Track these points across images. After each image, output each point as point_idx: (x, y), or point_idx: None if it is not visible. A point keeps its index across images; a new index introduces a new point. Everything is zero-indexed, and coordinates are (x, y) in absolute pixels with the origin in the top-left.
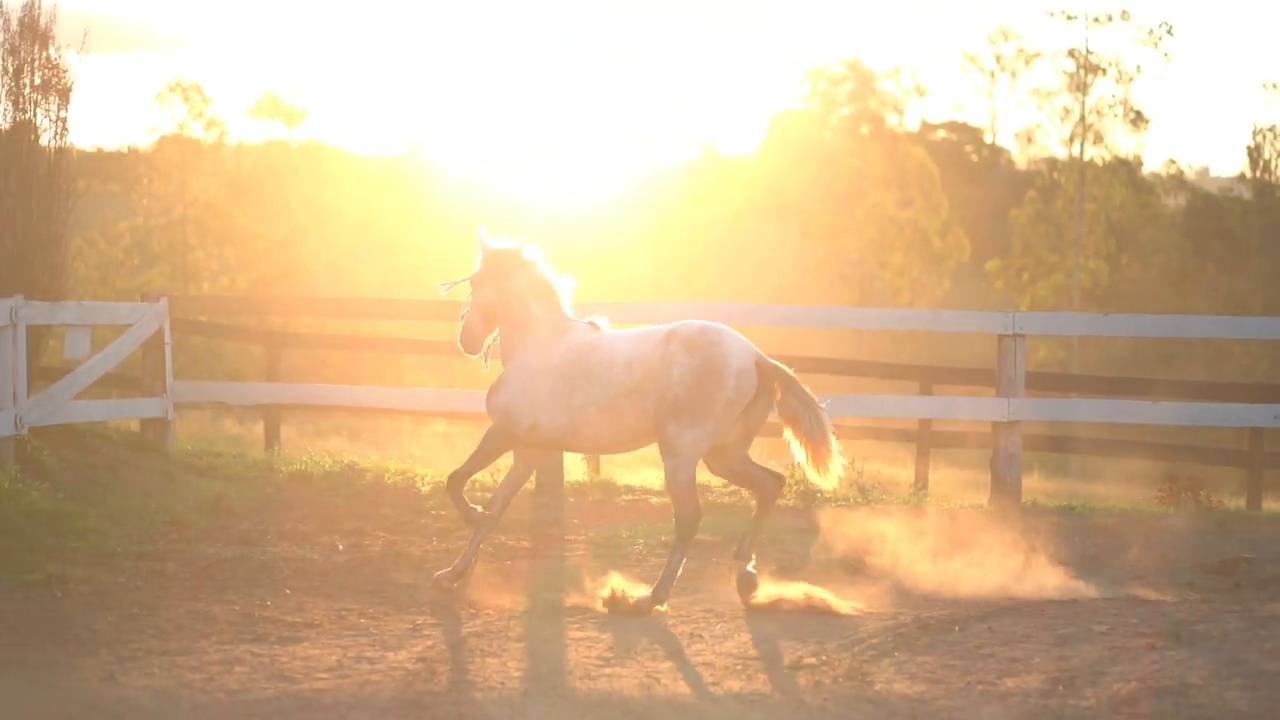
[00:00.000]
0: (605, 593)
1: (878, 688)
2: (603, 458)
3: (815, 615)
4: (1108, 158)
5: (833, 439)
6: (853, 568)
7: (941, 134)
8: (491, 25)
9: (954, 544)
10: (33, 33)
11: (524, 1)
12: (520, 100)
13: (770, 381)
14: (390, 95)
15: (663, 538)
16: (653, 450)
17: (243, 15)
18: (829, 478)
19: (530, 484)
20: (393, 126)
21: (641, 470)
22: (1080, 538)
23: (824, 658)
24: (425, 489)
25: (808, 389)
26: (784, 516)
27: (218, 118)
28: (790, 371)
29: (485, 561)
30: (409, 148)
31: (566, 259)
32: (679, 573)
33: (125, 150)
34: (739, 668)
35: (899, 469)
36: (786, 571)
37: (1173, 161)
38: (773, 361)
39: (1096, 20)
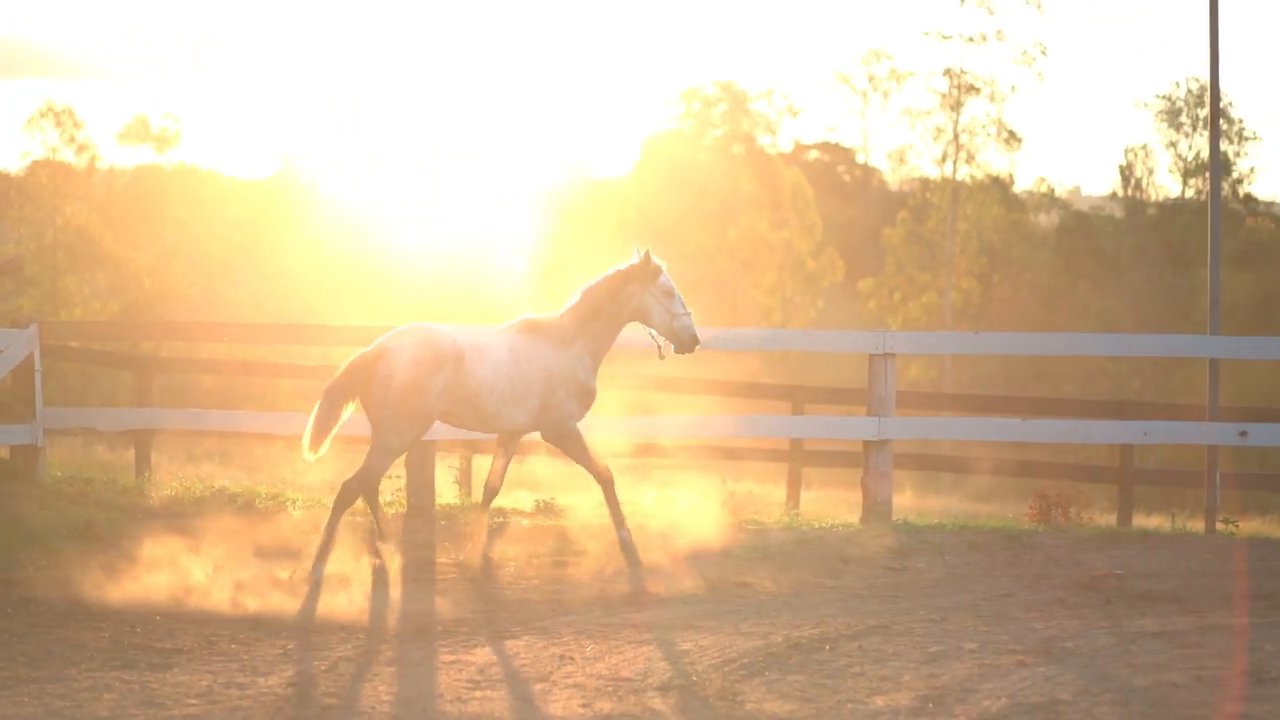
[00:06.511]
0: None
1: (748, 707)
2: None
3: (686, 636)
4: (980, 177)
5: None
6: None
7: (814, 155)
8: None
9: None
10: None
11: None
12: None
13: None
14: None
15: (534, 560)
16: (521, 475)
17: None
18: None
19: (402, 507)
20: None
21: (514, 493)
22: (950, 555)
23: (695, 678)
24: (297, 513)
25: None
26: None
27: (89, 142)
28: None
29: (354, 584)
30: (280, 169)
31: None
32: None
33: None
34: (610, 689)
35: (771, 489)
36: None
37: (1044, 179)
38: (377, 365)
39: (971, 40)
